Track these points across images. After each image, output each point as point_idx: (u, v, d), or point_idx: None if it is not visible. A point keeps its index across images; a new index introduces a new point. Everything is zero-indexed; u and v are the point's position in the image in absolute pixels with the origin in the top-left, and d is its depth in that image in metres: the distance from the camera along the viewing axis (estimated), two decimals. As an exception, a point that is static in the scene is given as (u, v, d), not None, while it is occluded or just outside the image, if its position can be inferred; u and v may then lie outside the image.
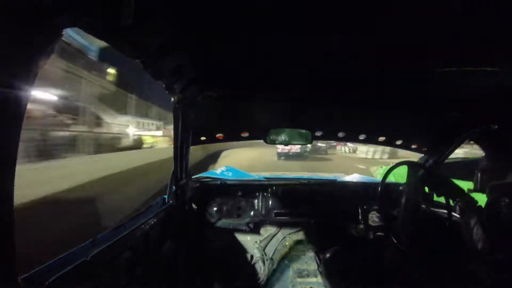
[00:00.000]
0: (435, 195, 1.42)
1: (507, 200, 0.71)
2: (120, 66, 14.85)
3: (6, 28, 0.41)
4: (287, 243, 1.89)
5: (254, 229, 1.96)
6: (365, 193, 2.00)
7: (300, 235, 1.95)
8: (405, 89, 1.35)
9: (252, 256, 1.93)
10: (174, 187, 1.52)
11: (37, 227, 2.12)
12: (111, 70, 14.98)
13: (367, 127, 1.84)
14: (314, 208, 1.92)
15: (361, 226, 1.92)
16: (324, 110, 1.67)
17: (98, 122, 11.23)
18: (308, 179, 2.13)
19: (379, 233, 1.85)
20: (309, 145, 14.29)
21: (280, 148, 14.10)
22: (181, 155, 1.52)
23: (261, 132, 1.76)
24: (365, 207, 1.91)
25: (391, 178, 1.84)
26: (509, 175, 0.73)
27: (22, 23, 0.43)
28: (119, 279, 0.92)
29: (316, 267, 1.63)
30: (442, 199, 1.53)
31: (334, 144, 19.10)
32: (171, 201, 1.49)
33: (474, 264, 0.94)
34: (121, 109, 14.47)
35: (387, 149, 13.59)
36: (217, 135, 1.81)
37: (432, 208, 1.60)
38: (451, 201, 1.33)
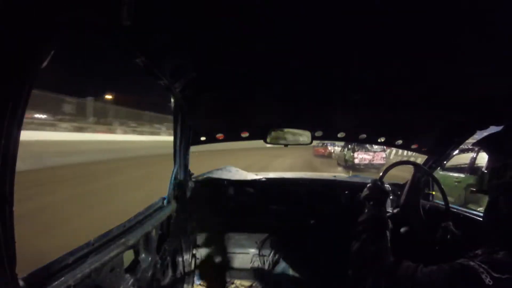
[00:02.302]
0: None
1: (504, 199, 0.71)
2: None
3: (5, 27, 0.41)
4: (286, 243, 1.89)
5: (254, 229, 1.96)
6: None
7: (300, 235, 1.95)
8: (405, 89, 1.35)
9: (251, 256, 1.93)
10: (174, 187, 1.53)
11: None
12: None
13: (367, 127, 1.83)
14: (313, 208, 1.92)
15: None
16: (324, 110, 1.67)
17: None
18: (308, 179, 2.13)
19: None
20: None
21: (359, 158, 12.64)
22: (181, 155, 1.52)
23: (261, 132, 1.76)
24: (364, 207, 1.91)
25: None
26: (506, 174, 0.73)
27: (22, 23, 0.43)
28: (119, 279, 0.92)
29: (316, 267, 1.63)
30: (441, 199, 1.53)
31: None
32: (171, 201, 1.49)
33: (473, 264, 0.94)
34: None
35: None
36: (217, 135, 1.81)
37: (431, 208, 1.60)
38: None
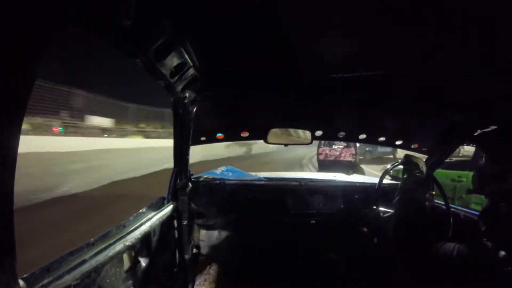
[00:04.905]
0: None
1: (506, 205, 0.70)
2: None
3: (5, 26, 0.41)
4: (287, 243, 1.89)
5: (254, 229, 1.96)
6: (364, 193, 2.00)
7: (300, 235, 1.95)
8: (405, 89, 1.35)
9: (252, 256, 1.93)
10: (174, 187, 1.53)
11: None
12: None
13: (367, 127, 1.83)
14: (314, 208, 1.92)
15: (360, 226, 1.92)
16: (324, 110, 1.67)
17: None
18: (308, 179, 2.13)
19: (377, 233, 1.86)
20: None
21: (323, 154, 11.19)
22: (181, 155, 1.52)
23: (261, 132, 1.76)
24: (364, 207, 1.92)
25: None
26: (508, 179, 0.72)
27: (21, 22, 0.43)
28: (119, 279, 0.92)
29: (316, 267, 1.63)
30: (440, 199, 1.53)
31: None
32: (171, 201, 1.49)
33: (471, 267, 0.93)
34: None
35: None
36: (217, 135, 1.82)
37: (431, 207, 1.60)
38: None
